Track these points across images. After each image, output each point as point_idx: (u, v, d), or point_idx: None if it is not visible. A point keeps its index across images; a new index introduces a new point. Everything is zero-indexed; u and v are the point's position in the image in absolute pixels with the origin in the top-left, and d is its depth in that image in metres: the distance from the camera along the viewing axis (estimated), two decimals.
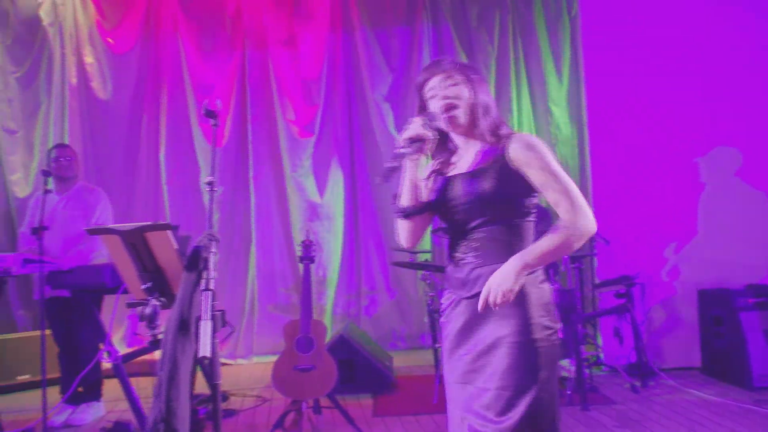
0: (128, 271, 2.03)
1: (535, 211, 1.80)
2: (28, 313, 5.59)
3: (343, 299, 6.06)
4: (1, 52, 5.73)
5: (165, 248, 1.91)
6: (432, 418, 3.86)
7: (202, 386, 4.30)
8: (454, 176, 1.82)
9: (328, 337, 4.77)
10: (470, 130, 1.82)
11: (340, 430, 3.68)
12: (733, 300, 4.24)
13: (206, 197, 5.95)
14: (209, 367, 1.49)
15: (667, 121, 4.73)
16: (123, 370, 3.74)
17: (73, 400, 4.13)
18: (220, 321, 1.40)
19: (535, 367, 1.66)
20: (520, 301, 1.68)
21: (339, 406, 3.75)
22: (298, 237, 5.94)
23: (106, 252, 4.34)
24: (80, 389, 4.17)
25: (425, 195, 1.86)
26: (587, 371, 4.27)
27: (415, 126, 1.75)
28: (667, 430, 3.46)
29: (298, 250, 4.02)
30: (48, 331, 4.11)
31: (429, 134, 1.75)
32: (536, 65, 6.30)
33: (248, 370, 5.48)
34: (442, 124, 1.80)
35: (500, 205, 1.73)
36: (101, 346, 3.70)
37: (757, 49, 4.73)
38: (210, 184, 1.72)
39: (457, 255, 1.81)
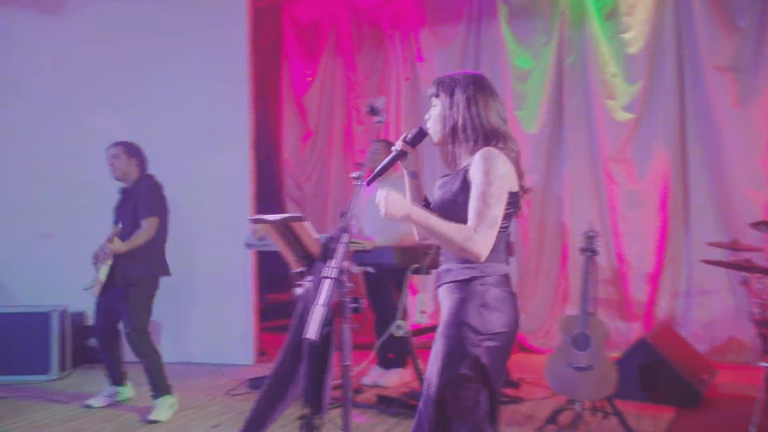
0: (287, 255, 2.23)
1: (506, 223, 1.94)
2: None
3: (666, 298, 5.40)
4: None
5: (307, 236, 2.04)
6: None
7: None
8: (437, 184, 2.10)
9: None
10: (451, 145, 2.03)
11: None
12: None
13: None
14: (343, 348, 1.55)
15: None
16: (411, 343, 4.09)
17: (384, 363, 4.66)
18: (347, 309, 1.44)
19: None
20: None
21: (619, 413, 3.40)
22: (610, 227, 5.53)
23: (416, 235, 4.78)
24: (391, 355, 4.67)
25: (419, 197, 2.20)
26: None
27: (398, 141, 2.10)
28: None
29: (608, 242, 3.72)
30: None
31: (398, 148, 2.08)
32: None
33: None
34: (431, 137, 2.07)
35: (457, 212, 1.90)
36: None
37: None
38: (358, 178, 1.75)
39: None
